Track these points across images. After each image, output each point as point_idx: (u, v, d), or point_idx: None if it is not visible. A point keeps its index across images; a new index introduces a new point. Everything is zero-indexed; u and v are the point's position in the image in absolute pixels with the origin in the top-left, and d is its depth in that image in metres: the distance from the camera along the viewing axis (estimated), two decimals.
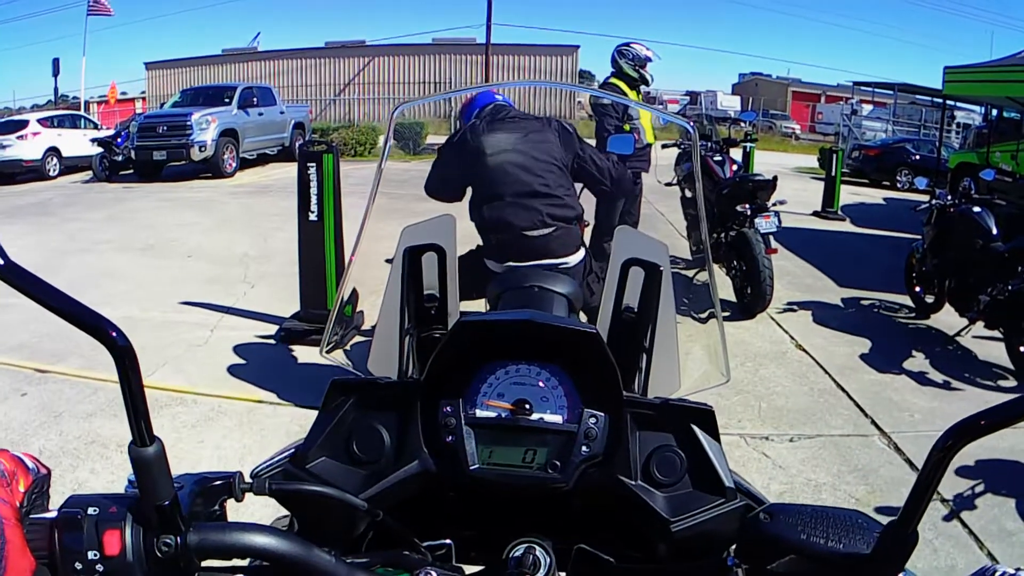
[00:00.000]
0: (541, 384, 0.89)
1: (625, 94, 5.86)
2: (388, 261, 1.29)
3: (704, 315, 4.03)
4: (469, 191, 2.99)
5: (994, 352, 4.91)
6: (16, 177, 14.88)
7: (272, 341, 4.81)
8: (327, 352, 1.26)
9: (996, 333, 4.87)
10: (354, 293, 4.03)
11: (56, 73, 28.65)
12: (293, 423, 3.59)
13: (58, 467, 3.23)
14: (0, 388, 4.13)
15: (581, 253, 2.92)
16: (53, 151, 16.08)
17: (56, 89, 30.52)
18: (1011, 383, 4.60)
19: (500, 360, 0.91)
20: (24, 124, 16.04)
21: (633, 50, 5.90)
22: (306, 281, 4.91)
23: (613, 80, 6.00)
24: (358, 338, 4.32)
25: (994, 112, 13.46)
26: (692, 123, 1.45)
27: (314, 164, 4.74)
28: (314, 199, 4.75)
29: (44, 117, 17.10)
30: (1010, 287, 4.65)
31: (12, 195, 12.93)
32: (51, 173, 15.92)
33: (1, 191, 13.37)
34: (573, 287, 2.55)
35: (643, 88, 6.18)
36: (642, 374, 1.10)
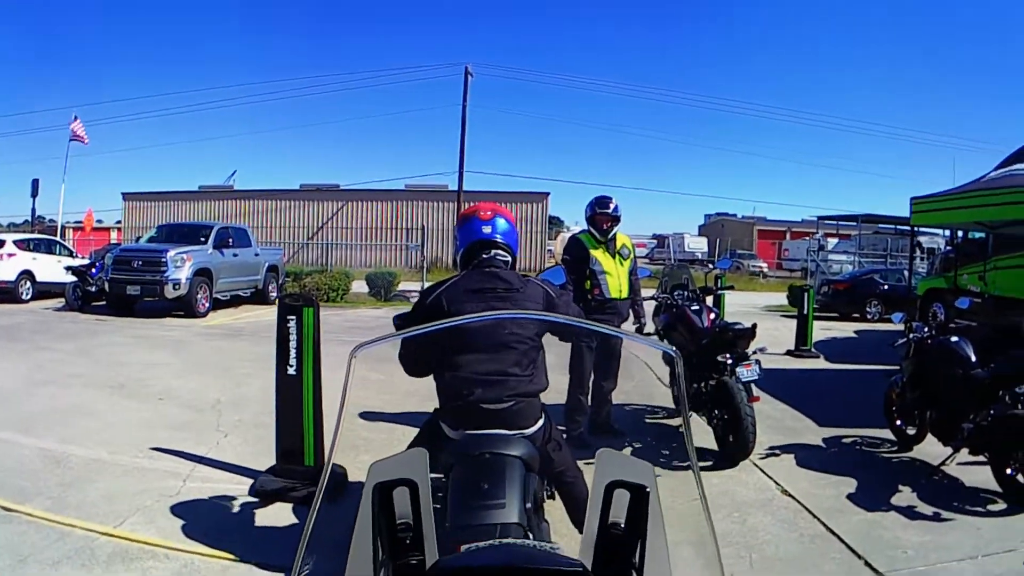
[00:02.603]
0: None
1: (590, 246, 6.00)
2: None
3: (685, 465, 4.03)
4: None
5: (980, 477, 4.94)
6: None
7: (247, 496, 4.66)
8: None
9: (980, 458, 4.91)
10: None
11: (35, 194, 28.89)
12: None
13: None
14: None
15: (540, 423, 2.80)
16: (27, 275, 16.23)
17: (34, 210, 30.82)
18: (1000, 506, 4.64)
19: None
20: (0, 244, 16.17)
21: (596, 209, 6.05)
22: (283, 435, 4.84)
23: (581, 236, 6.18)
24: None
25: (960, 234, 13.80)
26: (675, 350, 1.45)
27: (294, 317, 4.74)
28: (293, 352, 4.74)
29: (21, 239, 17.31)
30: (992, 412, 4.73)
31: None
32: (24, 297, 16.06)
33: None
34: (528, 448, 2.57)
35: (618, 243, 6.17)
36: None
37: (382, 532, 1.09)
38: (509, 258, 3.10)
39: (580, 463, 2.96)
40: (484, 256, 3.03)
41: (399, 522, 1.11)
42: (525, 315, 2.82)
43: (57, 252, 17.91)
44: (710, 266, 12.95)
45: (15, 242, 16.68)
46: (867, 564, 3.89)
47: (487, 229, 3.07)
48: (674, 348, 1.39)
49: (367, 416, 6.21)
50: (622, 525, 1.09)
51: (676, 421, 6.40)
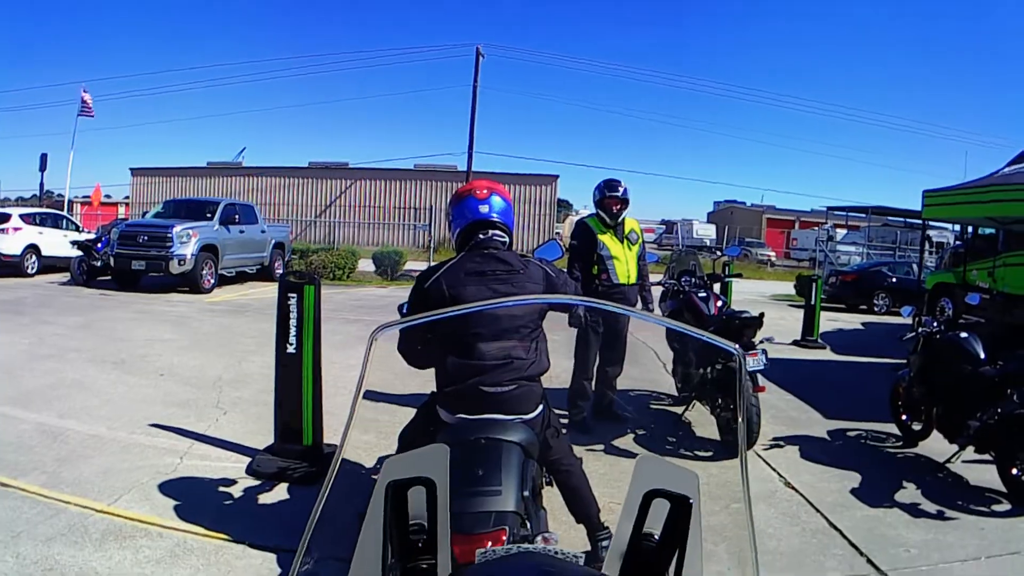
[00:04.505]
0: None
1: (597, 231, 5.89)
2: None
3: (689, 454, 3.96)
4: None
5: (985, 476, 4.88)
6: None
7: (244, 475, 4.61)
8: None
9: (986, 456, 4.86)
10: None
11: (43, 168, 29.04)
12: (263, 567, 3.39)
13: None
14: None
15: (540, 408, 2.75)
16: (32, 248, 16.32)
17: (42, 184, 30.91)
18: (1005, 506, 4.57)
19: None
20: (6, 218, 16.32)
21: (605, 192, 5.91)
22: (282, 413, 4.78)
23: (589, 220, 6.07)
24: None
25: (969, 229, 13.69)
26: (737, 347, 1.31)
27: (295, 295, 4.66)
28: (293, 330, 4.67)
29: (27, 213, 17.38)
30: (1000, 410, 4.67)
31: None
32: (29, 271, 16.17)
33: None
34: (527, 434, 2.52)
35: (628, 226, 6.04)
36: None
37: (393, 533, 1.01)
38: (507, 238, 3.02)
39: (581, 449, 2.90)
40: (481, 237, 2.96)
41: (412, 523, 1.03)
42: (545, 299, 2.75)
43: (63, 226, 17.97)
44: (718, 253, 12.80)
45: (21, 216, 16.75)
46: (869, 561, 3.82)
47: (484, 208, 2.98)
48: (736, 345, 1.25)
49: (365, 395, 6.14)
50: (656, 536, 1.00)
51: (680, 408, 6.31)
